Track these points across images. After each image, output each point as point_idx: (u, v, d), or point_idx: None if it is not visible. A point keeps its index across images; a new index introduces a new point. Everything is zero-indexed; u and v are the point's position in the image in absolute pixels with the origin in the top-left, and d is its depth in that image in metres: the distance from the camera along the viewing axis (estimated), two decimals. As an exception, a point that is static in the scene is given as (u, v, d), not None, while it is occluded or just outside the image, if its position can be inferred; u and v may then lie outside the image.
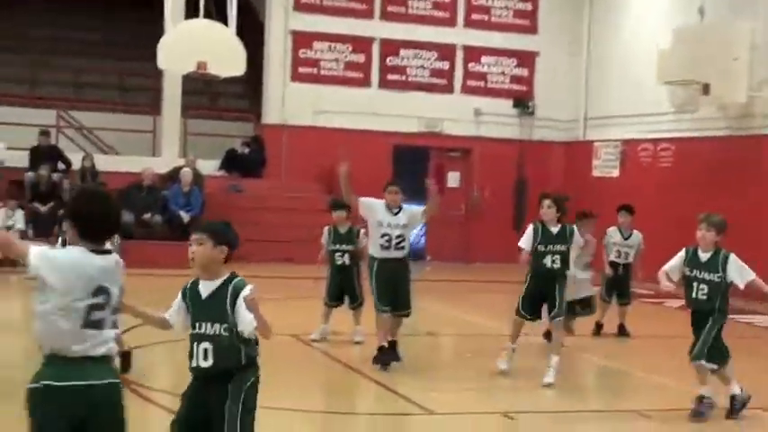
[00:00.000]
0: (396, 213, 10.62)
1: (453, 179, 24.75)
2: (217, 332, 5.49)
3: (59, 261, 4.58)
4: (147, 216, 19.81)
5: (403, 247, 10.59)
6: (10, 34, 26.60)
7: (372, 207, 10.69)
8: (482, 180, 24.46)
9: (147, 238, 19.76)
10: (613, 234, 13.69)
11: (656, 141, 21.86)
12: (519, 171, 24.50)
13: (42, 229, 19.31)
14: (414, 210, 10.77)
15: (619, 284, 13.51)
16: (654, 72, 19.56)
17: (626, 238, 13.58)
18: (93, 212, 4.71)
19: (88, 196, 4.93)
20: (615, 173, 23.13)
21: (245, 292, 5.39)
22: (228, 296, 5.45)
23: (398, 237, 10.55)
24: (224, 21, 19.77)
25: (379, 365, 10.29)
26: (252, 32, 22.15)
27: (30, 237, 18.84)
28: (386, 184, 10.94)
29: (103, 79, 26.48)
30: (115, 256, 4.82)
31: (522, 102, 24.63)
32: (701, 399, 8.77)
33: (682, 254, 8.95)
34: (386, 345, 10.49)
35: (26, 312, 14.33)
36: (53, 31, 27.26)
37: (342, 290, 11.95)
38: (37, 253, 4.56)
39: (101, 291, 4.64)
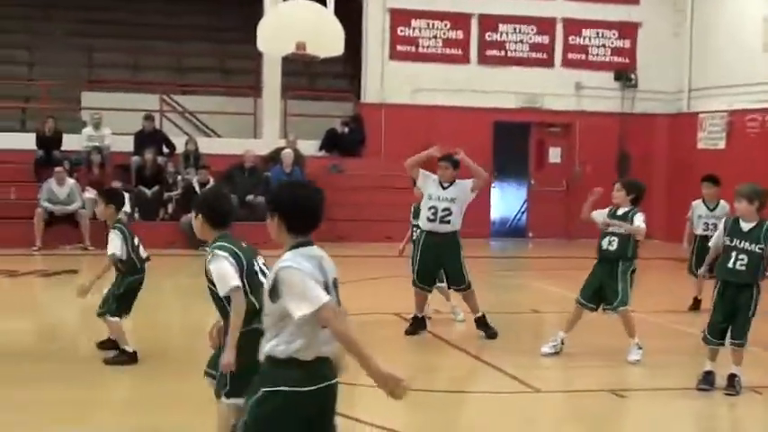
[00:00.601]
0: (446, 188, 10.87)
1: (554, 154, 24.49)
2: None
3: (310, 269, 4.56)
4: (249, 198, 20.01)
5: (449, 221, 10.82)
6: (114, 20, 27.12)
7: (426, 180, 11.08)
8: (583, 155, 24.12)
9: (249, 219, 19.95)
10: (698, 207, 13.36)
11: (764, 111, 21.27)
12: (621, 145, 24.09)
13: (148, 213, 19.68)
14: (463, 183, 10.97)
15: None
16: (761, 40, 19.00)
17: (712, 210, 13.21)
18: (304, 206, 4.66)
19: (299, 189, 4.79)
20: (721, 145, 22.58)
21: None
22: None
23: (444, 210, 10.81)
24: (322, 1, 19.82)
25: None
26: (350, 12, 22.12)
27: (135, 220, 19.22)
28: (438, 159, 11.10)
29: (205, 63, 26.85)
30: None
31: (624, 74, 24.19)
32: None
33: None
34: (419, 315, 11.00)
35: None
36: (156, 16, 27.71)
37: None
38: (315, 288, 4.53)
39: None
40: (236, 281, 6.18)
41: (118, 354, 9.17)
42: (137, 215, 19.39)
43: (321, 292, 4.44)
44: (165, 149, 21.08)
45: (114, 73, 25.79)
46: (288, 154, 20.55)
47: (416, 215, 11.64)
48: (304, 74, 25.85)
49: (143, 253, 9.37)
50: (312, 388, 4.44)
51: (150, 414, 7.42)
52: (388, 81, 23.40)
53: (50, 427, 6.95)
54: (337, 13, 19.89)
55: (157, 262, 17.78)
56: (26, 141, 20.83)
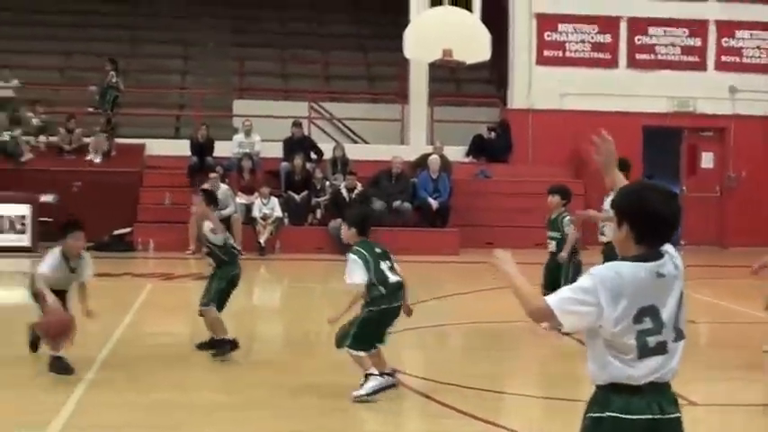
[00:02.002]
0: None
1: (707, 160, 23.85)
2: None
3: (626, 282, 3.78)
4: (396, 203, 20.12)
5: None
6: (264, 30, 27.72)
7: None
8: (738, 160, 23.42)
9: (397, 225, 20.10)
10: None
11: None
12: (779, 149, 23.29)
13: (296, 218, 19.99)
14: None
15: None
16: None
17: None
18: (659, 214, 3.91)
19: (654, 194, 3.98)
20: None
21: None
22: None
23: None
24: (468, 7, 19.80)
25: None
26: (496, 17, 22.07)
27: (285, 225, 19.56)
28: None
29: (352, 71, 27.15)
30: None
31: (781, 76, 23.41)
32: None
33: None
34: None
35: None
36: (305, 26, 28.21)
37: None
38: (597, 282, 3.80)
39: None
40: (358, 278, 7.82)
41: (218, 346, 9.32)
42: (286, 220, 19.70)
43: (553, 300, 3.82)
44: (313, 156, 21.39)
45: (264, 81, 26.34)
46: (435, 160, 20.58)
47: (547, 225, 11.34)
48: (450, 80, 25.87)
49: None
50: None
51: (307, 419, 7.50)
52: (535, 86, 23.21)
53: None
54: (483, 18, 19.88)
55: (306, 266, 18.20)
56: (180, 148, 21.47)
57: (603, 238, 11.15)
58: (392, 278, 7.87)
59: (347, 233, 8.13)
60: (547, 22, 23.27)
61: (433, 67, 21.69)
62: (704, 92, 23.26)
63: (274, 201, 19.61)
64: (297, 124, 21.72)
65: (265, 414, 7.43)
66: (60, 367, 8.20)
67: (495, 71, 25.10)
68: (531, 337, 10.97)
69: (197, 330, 12.01)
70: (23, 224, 18.30)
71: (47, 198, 19.27)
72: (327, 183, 20.48)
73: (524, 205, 20.91)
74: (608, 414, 3.78)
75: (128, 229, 19.28)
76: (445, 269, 18.10)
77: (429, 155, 20.98)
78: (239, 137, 21.47)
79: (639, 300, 3.77)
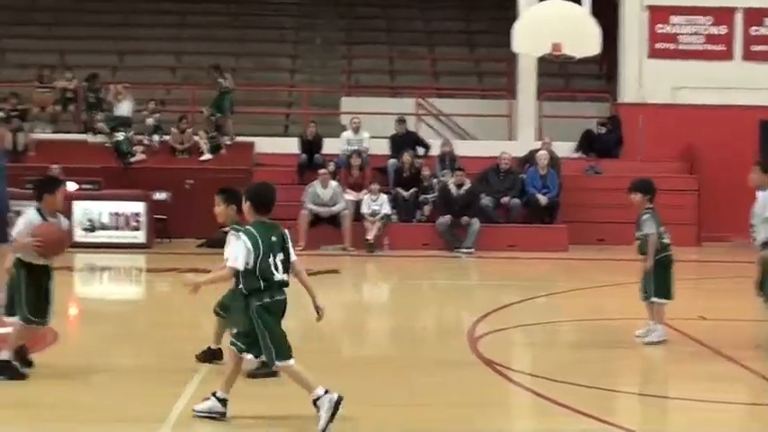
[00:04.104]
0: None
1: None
2: None
3: None
4: (505, 200, 19.99)
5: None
6: (372, 27, 27.85)
7: None
8: None
9: (505, 221, 19.98)
10: None
11: None
12: None
13: (404, 215, 20.00)
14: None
15: None
16: None
17: None
18: None
19: None
20: None
21: None
22: None
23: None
24: (578, 0, 19.57)
25: None
26: (606, 10, 21.75)
27: (393, 221, 19.59)
28: None
29: (460, 66, 27.07)
30: None
31: None
32: None
33: None
34: None
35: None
36: (412, 23, 28.27)
37: None
38: None
39: None
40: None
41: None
42: (394, 217, 19.74)
43: None
44: (421, 152, 21.38)
45: (372, 79, 26.44)
46: (543, 155, 20.38)
47: (637, 227, 10.28)
48: (559, 75, 25.60)
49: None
50: None
51: (430, 409, 7.48)
52: (646, 80, 22.80)
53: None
54: (593, 11, 19.64)
55: (414, 263, 18.21)
56: (290, 145, 21.68)
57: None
58: (278, 276, 6.76)
59: (244, 207, 6.99)
60: (659, 14, 22.84)
61: (542, 61, 21.49)
62: (823, 83, 22.54)
63: (383, 197, 19.66)
64: (400, 120, 21.73)
65: (377, 411, 7.42)
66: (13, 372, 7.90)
67: (605, 65, 24.75)
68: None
69: (306, 325, 12.09)
70: (138, 221, 18.71)
71: (160, 196, 19.68)
72: (435, 179, 20.44)
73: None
74: None
75: (238, 226, 19.55)
76: (554, 266, 17.91)
77: (537, 150, 20.78)
78: (348, 134, 21.58)
79: None
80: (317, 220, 19.24)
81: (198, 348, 8.60)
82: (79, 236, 18.13)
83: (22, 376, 7.95)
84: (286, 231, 7.03)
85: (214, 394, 6.86)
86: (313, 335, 9.91)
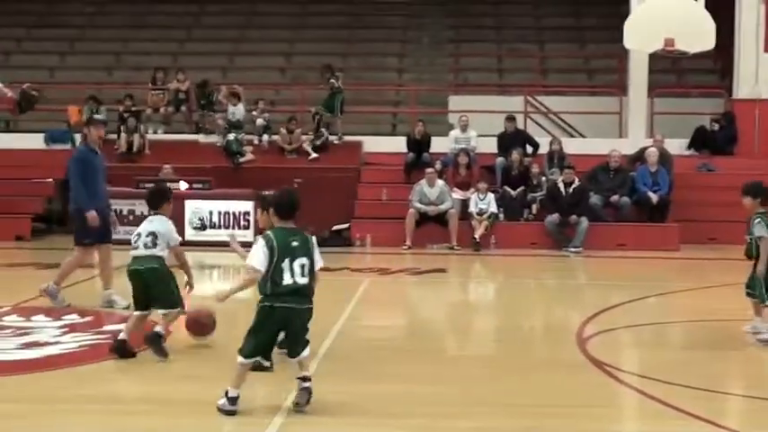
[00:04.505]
0: None
1: None
2: None
3: None
4: (614, 198, 19.70)
5: None
6: (479, 25, 27.79)
7: None
8: None
9: (614, 220, 19.69)
10: None
11: None
12: None
13: (512, 213, 19.86)
14: None
15: None
16: None
17: None
18: None
19: None
20: None
21: None
22: None
23: None
24: (691, -6, 19.16)
25: None
26: (722, 4, 21.26)
27: (500, 220, 19.47)
28: None
29: (569, 63, 26.81)
30: None
31: None
32: None
33: None
34: None
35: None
36: (520, 20, 28.14)
37: None
38: None
39: None
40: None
41: None
42: (501, 215, 19.62)
43: None
44: (529, 150, 21.22)
45: (479, 77, 26.36)
46: (652, 152, 20.01)
47: (748, 230, 10.08)
48: (672, 71, 25.15)
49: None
50: None
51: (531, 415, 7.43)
52: (762, 75, 22.19)
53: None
54: (708, 5, 19.16)
55: (521, 262, 18.08)
56: (397, 144, 21.73)
57: None
58: (287, 281, 6.93)
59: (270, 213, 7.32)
60: (776, 7, 22.23)
61: (654, 57, 21.10)
62: None
63: (490, 196, 19.55)
64: (510, 118, 21.59)
65: (485, 410, 7.39)
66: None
67: (720, 60, 24.23)
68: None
69: (414, 323, 12.11)
70: (247, 220, 18.97)
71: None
72: (543, 177, 20.26)
73: (750, 200, 20.06)
74: None
75: (346, 225, 19.67)
76: (666, 265, 17.58)
77: (647, 148, 20.42)
78: (455, 132, 21.52)
79: None
80: (423, 218, 19.23)
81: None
82: (190, 234, 18.47)
83: (165, 354, 8.79)
84: (312, 237, 7.24)
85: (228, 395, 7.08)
86: (421, 334, 9.91)
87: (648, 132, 22.03)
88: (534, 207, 19.87)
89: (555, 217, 19.06)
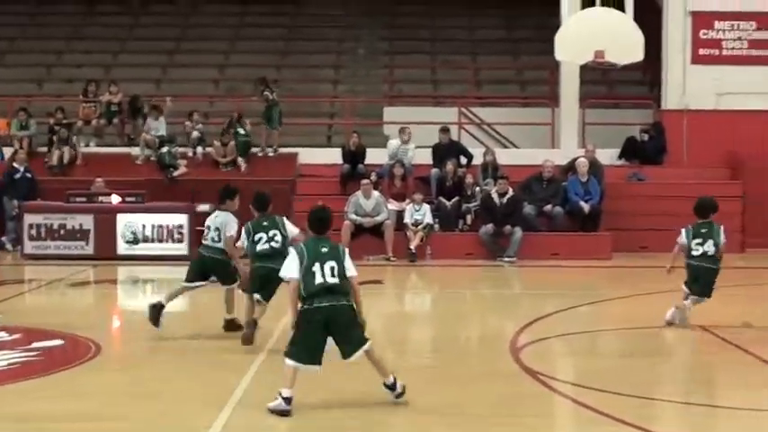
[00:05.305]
0: None
1: None
2: None
3: None
4: (547, 208, 19.90)
5: None
6: (414, 37, 27.92)
7: None
8: None
9: (548, 230, 19.89)
10: None
11: None
12: None
13: (447, 224, 19.97)
14: None
15: None
16: None
17: None
18: None
19: None
20: None
21: None
22: None
23: None
24: (621, 7, 19.48)
25: None
26: (649, 17, 21.63)
27: (435, 231, 19.57)
28: None
29: (502, 75, 27.03)
30: None
31: None
32: None
33: None
34: None
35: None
36: (454, 32, 28.31)
37: None
38: None
39: None
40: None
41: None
42: (436, 226, 19.72)
43: None
44: (464, 161, 21.34)
45: (414, 88, 26.48)
46: (582, 163, 20.27)
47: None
48: (602, 82, 25.51)
49: None
50: None
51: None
52: (690, 86, 22.62)
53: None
54: (636, 18, 19.50)
55: (456, 272, 18.18)
56: (333, 156, 21.74)
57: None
58: (318, 280, 7.50)
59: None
60: (702, 19, 22.65)
61: (585, 69, 21.40)
62: None
63: (425, 207, 19.64)
64: (444, 130, 21.67)
65: (425, 420, 7.43)
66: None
67: (649, 72, 24.61)
68: (688, 343, 10.71)
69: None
70: (181, 233, 18.84)
71: (203, 207, 19.80)
72: (478, 188, 20.41)
73: (679, 209, 20.32)
74: None
75: (282, 237, 19.60)
76: (598, 273, 17.81)
77: (578, 158, 20.68)
78: (395, 143, 21.49)
79: None
80: (359, 230, 19.26)
81: (234, 357, 8.67)
82: (123, 248, 18.31)
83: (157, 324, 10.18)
84: (344, 248, 7.82)
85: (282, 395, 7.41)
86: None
87: (580, 143, 22.31)
88: (469, 218, 20.01)
89: (489, 227, 19.21)
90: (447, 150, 21.26)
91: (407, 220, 19.46)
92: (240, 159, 21.70)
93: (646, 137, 22.70)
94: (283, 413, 7.33)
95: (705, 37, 22.73)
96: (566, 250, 19.15)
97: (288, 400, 7.34)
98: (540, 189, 20.25)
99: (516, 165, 21.13)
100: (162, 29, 28.70)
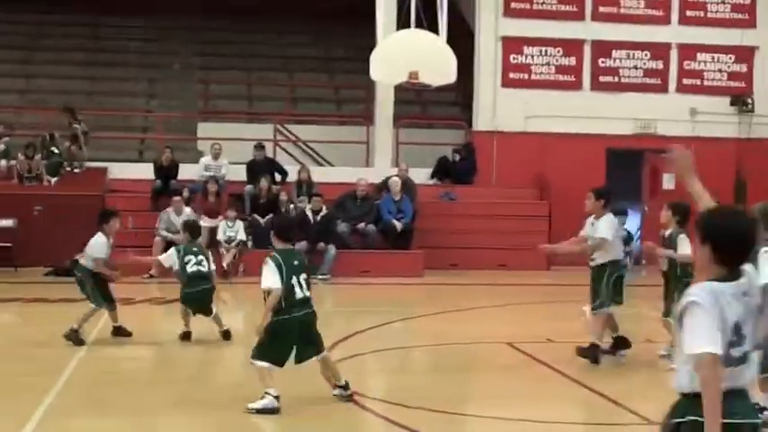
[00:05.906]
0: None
1: (669, 181, 23.92)
2: None
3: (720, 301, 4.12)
4: (361, 226, 20.08)
5: None
6: (229, 53, 27.67)
7: None
8: (700, 181, 23.51)
9: (362, 247, 20.06)
10: None
11: None
12: (738, 171, 23.49)
13: (261, 241, 19.85)
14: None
15: None
16: None
17: None
18: (738, 235, 4.25)
19: (734, 217, 4.36)
20: None
21: None
22: None
23: None
24: (434, 30, 19.86)
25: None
26: (462, 40, 22.16)
27: (249, 248, 19.45)
28: None
29: (318, 93, 27.12)
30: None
31: (741, 99, 23.65)
32: None
33: None
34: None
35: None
36: (270, 48, 28.20)
37: None
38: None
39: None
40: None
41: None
42: (249, 243, 19.60)
43: (712, 338, 4.05)
44: (278, 178, 21.29)
45: (229, 104, 26.29)
46: (395, 182, 20.56)
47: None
48: (416, 102, 25.92)
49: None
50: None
51: None
52: (500, 109, 23.28)
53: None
54: (449, 41, 19.92)
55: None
56: (144, 171, 21.32)
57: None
58: (299, 295, 8.19)
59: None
60: (512, 44, 23.36)
61: (399, 89, 21.72)
62: (666, 114, 23.42)
63: (239, 224, 19.50)
64: (259, 146, 21.57)
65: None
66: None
67: (461, 93, 25.16)
68: (498, 359, 10.97)
69: (160, 354, 11.88)
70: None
71: (6, 222, 19.10)
72: (292, 205, 20.40)
73: (489, 227, 20.98)
74: (690, 418, 4.10)
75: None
76: (410, 291, 18.06)
77: (392, 177, 20.95)
78: (206, 159, 21.29)
79: (729, 316, 4.09)
80: (170, 246, 18.89)
81: (32, 379, 8.37)
82: None
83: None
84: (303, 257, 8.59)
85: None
86: (167, 364, 9.72)
87: (394, 161, 22.62)
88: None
89: (303, 244, 19.19)
90: (261, 167, 21.18)
91: (220, 236, 19.27)
92: (47, 176, 21.00)
93: (457, 157, 23.21)
94: (273, 411, 7.90)
95: (515, 61, 23.45)
96: (379, 268, 19.34)
97: (277, 398, 7.95)
98: (353, 207, 20.41)
99: (331, 182, 21.23)
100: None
